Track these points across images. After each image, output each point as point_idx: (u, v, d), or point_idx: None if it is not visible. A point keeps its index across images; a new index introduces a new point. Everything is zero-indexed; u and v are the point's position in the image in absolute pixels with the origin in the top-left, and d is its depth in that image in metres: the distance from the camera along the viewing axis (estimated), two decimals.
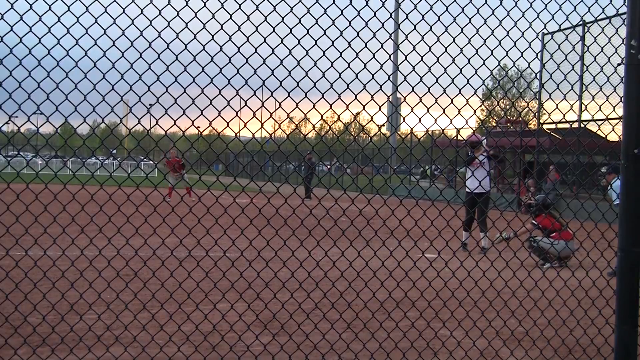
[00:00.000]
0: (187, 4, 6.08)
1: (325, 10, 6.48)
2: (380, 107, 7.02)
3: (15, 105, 5.77)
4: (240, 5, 6.19)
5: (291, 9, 6.39)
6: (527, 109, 55.82)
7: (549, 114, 10.95)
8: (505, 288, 8.72)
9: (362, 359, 8.10)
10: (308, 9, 6.43)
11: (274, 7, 6.31)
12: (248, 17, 6.23)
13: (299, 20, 6.40)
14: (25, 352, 7.74)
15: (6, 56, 5.74)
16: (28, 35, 5.78)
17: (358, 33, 6.64)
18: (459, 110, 7.41)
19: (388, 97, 7.26)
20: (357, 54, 6.60)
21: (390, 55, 6.99)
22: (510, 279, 8.52)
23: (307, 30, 6.41)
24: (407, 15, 6.88)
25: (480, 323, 8.97)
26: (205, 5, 6.12)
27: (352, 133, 11.59)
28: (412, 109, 7.03)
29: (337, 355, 8.11)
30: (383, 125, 8.27)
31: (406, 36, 6.92)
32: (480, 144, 18.48)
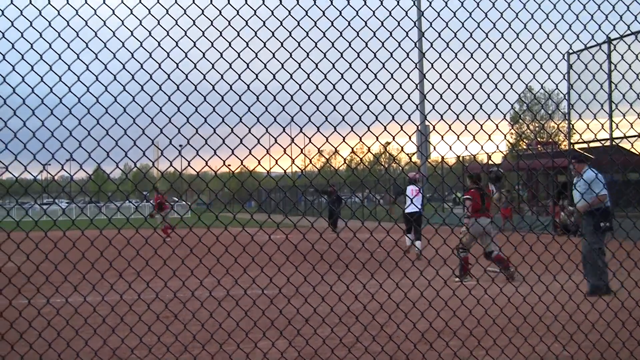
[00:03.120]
0: (212, 45, 6.11)
1: (349, 43, 6.49)
2: (410, 137, 7.02)
3: (48, 154, 5.81)
4: (265, 43, 6.21)
5: (315, 44, 6.40)
6: (557, 129, 55.60)
7: (580, 135, 10.88)
8: (547, 312, 8.64)
9: None
10: (332, 43, 6.45)
11: (299, 43, 6.33)
12: (273, 54, 6.26)
13: (324, 55, 6.41)
14: None
15: (38, 106, 5.79)
16: (58, 85, 5.82)
17: (384, 64, 6.66)
18: (489, 136, 7.40)
19: (417, 127, 7.26)
20: (384, 85, 6.61)
21: (417, 85, 6.99)
22: (552, 303, 8.45)
23: (333, 65, 6.43)
24: (431, 44, 6.89)
25: (523, 349, 8.88)
26: (230, 46, 6.15)
27: (383, 163, 11.56)
28: (442, 137, 7.00)
29: None
30: (414, 154, 8.26)
31: (432, 65, 6.92)
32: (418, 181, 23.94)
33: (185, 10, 5.98)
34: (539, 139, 47.03)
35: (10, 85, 5.77)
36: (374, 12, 6.58)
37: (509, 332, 9.07)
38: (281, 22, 6.29)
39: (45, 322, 7.51)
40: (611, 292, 13.48)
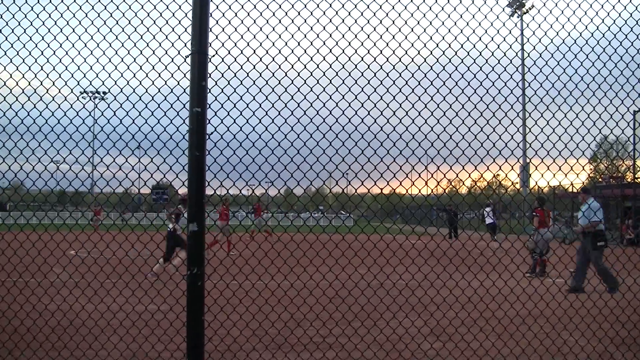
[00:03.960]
0: (356, 98, 6.08)
1: (475, 105, 6.38)
2: (518, 175, 6.87)
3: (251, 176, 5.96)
4: (407, 97, 6.15)
5: (444, 102, 6.30)
6: (627, 168, 53.69)
7: None
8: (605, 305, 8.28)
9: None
10: (463, 105, 6.35)
11: (437, 103, 6.25)
12: (413, 105, 6.20)
13: (457, 113, 6.31)
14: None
15: (242, 141, 5.88)
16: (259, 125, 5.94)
17: (494, 114, 6.51)
18: (577, 175, 7.18)
19: (522, 167, 7.08)
20: (500, 136, 6.48)
21: (524, 137, 6.83)
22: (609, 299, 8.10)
23: (455, 112, 6.33)
24: (535, 106, 6.72)
25: (592, 332, 8.54)
26: (369, 98, 6.11)
27: (494, 189, 11.42)
28: (542, 175, 6.84)
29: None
30: (517, 183, 8.13)
31: (535, 122, 6.75)
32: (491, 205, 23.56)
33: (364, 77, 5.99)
34: (611, 175, 45.69)
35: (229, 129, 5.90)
36: (499, 91, 6.47)
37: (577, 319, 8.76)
38: (425, 88, 6.24)
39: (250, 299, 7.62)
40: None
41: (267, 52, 5.86)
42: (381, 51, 6.12)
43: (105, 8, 5.78)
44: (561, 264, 12.34)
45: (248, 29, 5.70)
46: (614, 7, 6.71)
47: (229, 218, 24.23)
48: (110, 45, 5.78)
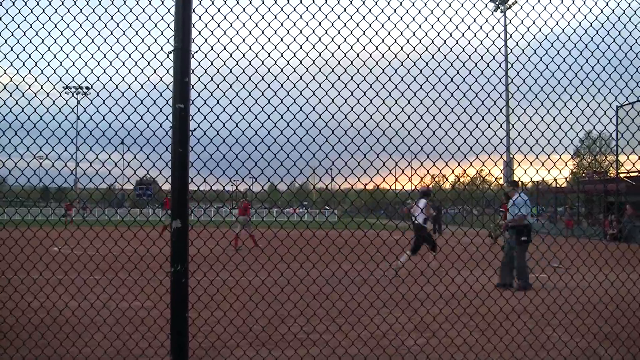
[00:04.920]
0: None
1: (458, 102, 6.40)
2: (501, 171, 6.88)
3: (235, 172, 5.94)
4: (396, 101, 6.16)
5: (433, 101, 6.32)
6: (610, 164, 53.99)
7: (627, 171, 10.61)
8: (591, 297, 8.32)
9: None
10: (446, 101, 6.36)
11: (421, 101, 6.26)
12: (396, 101, 6.21)
13: (439, 110, 6.33)
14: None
15: (225, 138, 5.87)
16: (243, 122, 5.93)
17: (477, 110, 6.53)
18: (560, 171, 7.22)
19: (506, 163, 7.11)
20: (483, 132, 6.49)
21: (507, 133, 6.86)
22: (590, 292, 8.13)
23: (438, 109, 6.35)
24: (518, 102, 6.74)
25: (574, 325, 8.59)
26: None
27: (477, 184, 11.45)
28: (525, 171, 6.87)
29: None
30: (500, 178, 8.18)
31: (518, 118, 6.77)
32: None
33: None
34: (594, 170, 45.93)
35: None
36: (482, 87, 6.49)
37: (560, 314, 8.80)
38: (407, 85, 6.26)
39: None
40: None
41: (250, 48, 5.85)
42: (364, 47, 6.13)
43: (87, 3, 5.76)
44: (545, 260, 12.40)
45: (231, 25, 5.70)
46: (596, 3, 6.75)
47: (251, 214, 24.16)
48: (93, 41, 5.76)
